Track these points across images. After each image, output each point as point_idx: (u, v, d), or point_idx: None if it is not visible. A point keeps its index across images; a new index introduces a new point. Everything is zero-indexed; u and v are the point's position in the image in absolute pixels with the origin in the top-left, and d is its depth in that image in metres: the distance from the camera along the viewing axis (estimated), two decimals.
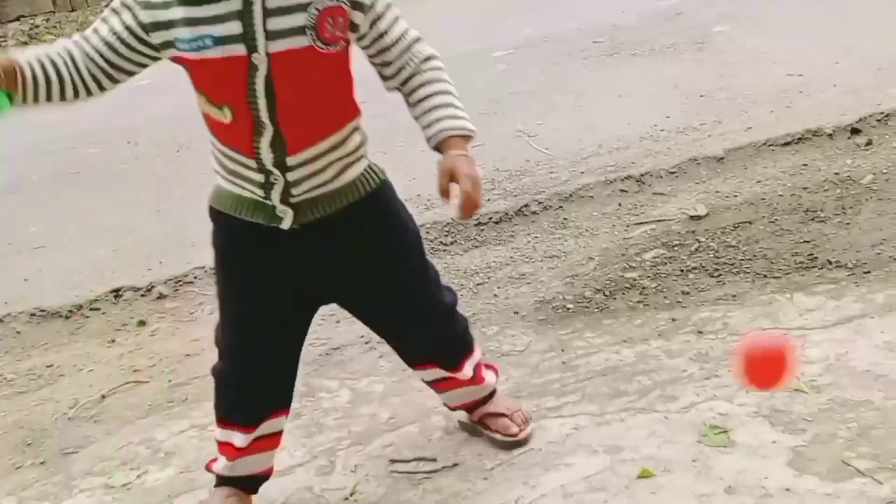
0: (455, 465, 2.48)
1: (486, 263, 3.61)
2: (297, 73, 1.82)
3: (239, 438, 2.23)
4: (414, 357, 2.38)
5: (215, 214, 2.07)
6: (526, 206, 3.96)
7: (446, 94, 1.98)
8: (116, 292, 3.79)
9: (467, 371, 2.39)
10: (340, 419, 2.79)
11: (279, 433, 2.30)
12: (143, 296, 3.76)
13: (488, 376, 2.48)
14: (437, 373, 2.38)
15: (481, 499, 2.34)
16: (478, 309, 3.29)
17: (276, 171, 1.91)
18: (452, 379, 2.39)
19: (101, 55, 1.88)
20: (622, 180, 4.04)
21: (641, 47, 5.82)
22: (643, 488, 2.28)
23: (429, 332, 2.28)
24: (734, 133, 4.32)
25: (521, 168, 4.34)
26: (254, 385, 2.18)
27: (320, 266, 2.07)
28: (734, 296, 3.07)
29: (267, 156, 1.89)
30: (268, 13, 1.77)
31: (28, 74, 1.85)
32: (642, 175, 4.05)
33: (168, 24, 1.81)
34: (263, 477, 2.36)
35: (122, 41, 1.86)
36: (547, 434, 2.53)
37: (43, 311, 3.77)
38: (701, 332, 2.89)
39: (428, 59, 1.98)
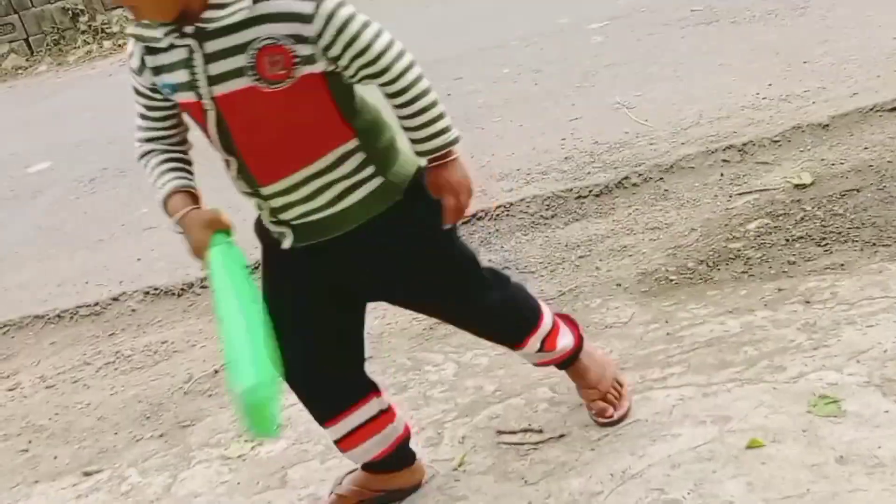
0: (561, 436, 2.50)
1: (587, 236, 3.61)
2: (247, 112, 1.85)
3: (334, 434, 2.27)
4: (476, 335, 2.42)
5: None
6: (626, 178, 3.95)
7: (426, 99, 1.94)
8: None
9: (533, 344, 2.37)
10: (446, 392, 2.83)
11: (377, 417, 2.29)
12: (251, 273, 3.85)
13: (562, 342, 2.42)
14: (504, 347, 2.44)
15: (588, 469, 2.35)
16: (580, 282, 3.29)
17: (257, 199, 1.99)
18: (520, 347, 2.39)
19: (167, 122, 2.02)
20: (724, 150, 3.99)
21: (741, 14, 5.72)
22: (752, 458, 2.27)
23: (476, 320, 2.30)
24: (839, 99, 4.23)
25: (621, 140, 4.32)
26: (314, 388, 2.20)
27: (340, 274, 2.10)
28: (842, 265, 3.01)
29: (240, 185, 1.98)
30: (208, 59, 1.81)
31: (197, 189, 2.01)
32: (744, 144, 4.00)
33: (151, 72, 1.91)
34: (394, 455, 2.36)
35: (156, 100, 1.97)
36: (653, 405, 2.53)
37: (156, 289, 3.90)
38: (808, 302, 2.85)
39: (407, 70, 1.90)
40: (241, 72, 1.80)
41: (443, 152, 1.98)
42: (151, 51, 1.87)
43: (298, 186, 1.94)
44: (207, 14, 1.78)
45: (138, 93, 1.98)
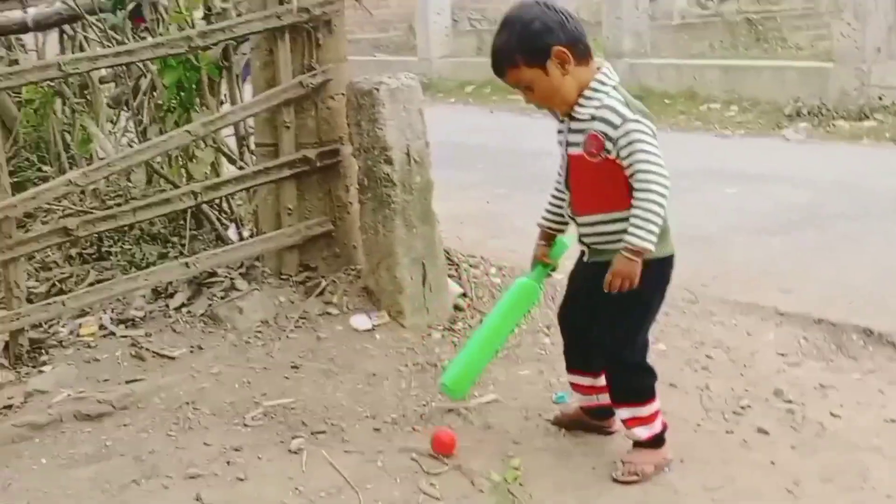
0: None
1: None
2: (579, 168, 3.00)
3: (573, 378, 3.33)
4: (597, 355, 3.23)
5: None
6: None
7: (638, 212, 2.88)
8: None
9: (622, 413, 3.13)
10: None
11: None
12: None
13: (638, 431, 3.09)
14: (605, 399, 3.20)
15: None
16: None
17: (573, 222, 3.10)
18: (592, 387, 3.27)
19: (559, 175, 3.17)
20: None
21: None
22: None
23: (607, 365, 3.15)
24: None
25: None
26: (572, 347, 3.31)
27: (586, 283, 3.10)
28: None
29: (568, 210, 3.10)
30: (569, 132, 3.00)
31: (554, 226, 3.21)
32: None
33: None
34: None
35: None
36: None
37: None
38: None
39: (642, 187, 2.88)
40: (579, 145, 2.96)
41: (626, 246, 2.88)
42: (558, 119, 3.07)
43: (592, 224, 3.02)
44: (575, 109, 2.97)
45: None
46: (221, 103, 5.02)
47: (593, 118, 2.92)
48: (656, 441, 3.10)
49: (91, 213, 4.49)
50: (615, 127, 2.88)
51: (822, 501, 2.89)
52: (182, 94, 4.84)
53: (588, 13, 17.12)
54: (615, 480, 3.02)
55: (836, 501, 2.89)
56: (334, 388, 3.67)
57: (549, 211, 3.18)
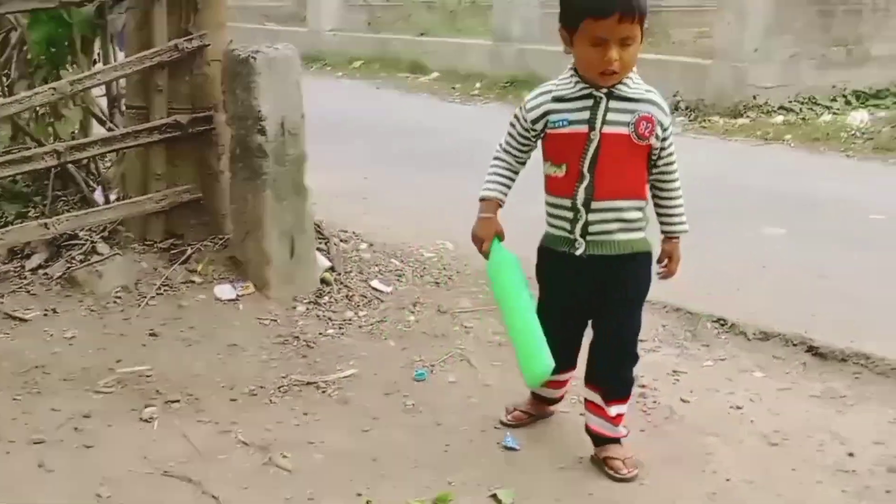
0: None
1: None
2: (615, 149, 2.77)
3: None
4: (588, 373, 3.05)
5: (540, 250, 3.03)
6: None
7: (676, 201, 2.97)
8: None
9: (613, 410, 3.01)
10: None
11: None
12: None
13: (621, 428, 3.04)
14: (595, 397, 3.03)
15: None
16: None
17: (583, 210, 2.82)
18: (602, 409, 3.01)
19: (522, 152, 2.97)
20: None
21: None
22: None
23: (612, 361, 3.00)
24: None
25: None
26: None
27: (601, 278, 2.91)
28: None
29: (580, 196, 2.81)
30: (608, 111, 2.75)
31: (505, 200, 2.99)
32: None
33: (544, 115, 2.84)
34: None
35: (526, 138, 2.92)
36: None
37: None
38: None
39: (675, 177, 2.93)
40: (626, 124, 2.76)
41: (678, 235, 2.99)
42: (560, 100, 2.81)
43: (609, 211, 2.82)
44: (627, 85, 2.78)
45: (521, 125, 2.91)
46: (94, 62, 4.88)
47: (645, 100, 2.77)
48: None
49: None
50: (667, 115, 2.80)
51: (665, 484, 2.97)
52: (52, 50, 4.69)
53: None
54: (622, 479, 2.94)
55: (678, 484, 2.98)
56: (193, 358, 3.63)
57: (502, 184, 2.98)
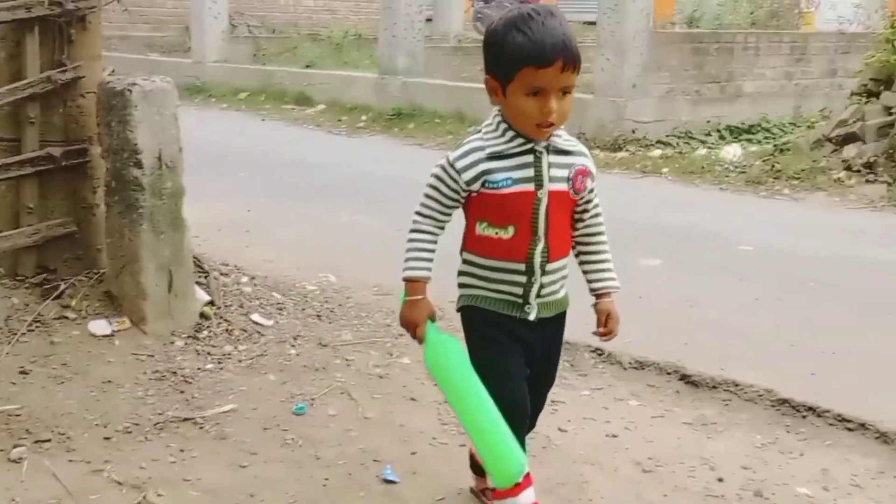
0: None
1: None
2: (559, 206, 2.60)
3: None
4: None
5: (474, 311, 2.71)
6: None
7: (606, 255, 2.78)
8: None
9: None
10: None
11: None
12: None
13: None
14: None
15: None
16: None
17: (538, 273, 2.61)
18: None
19: (447, 215, 2.65)
20: None
21: None
22: None
23: (532, 420, 2.86)
24: None
25: None
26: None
27: (541, 348, 2.74)
28: None
29: (537, 260, 2.60)
30: (550, 166, 2.56)
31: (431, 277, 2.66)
32: None
33: (480, 175, 2.55)
34: None
35: (455, 200, 2.61)
36: None
37: None
38: None
39: (601, 231, 2.77)
40: (565, 180, 2.59)
41: (614, 290, 2.79)
42: (499, 157, 2.55)
43: (557, 271, 2.65)
44: (562, 137, 2.61)
45: (450, 188, 2.60)
46: None
47: (577, 152, 2.62)
48: None
49: None
50: (593, 165, 2.67)
51: None
52: None
53: (366, 28, 17.34)
54: None
55: None
56: (65, 395, 3.54)
57: (427, 259, 2.64)
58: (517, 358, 2.68)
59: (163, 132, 4.06)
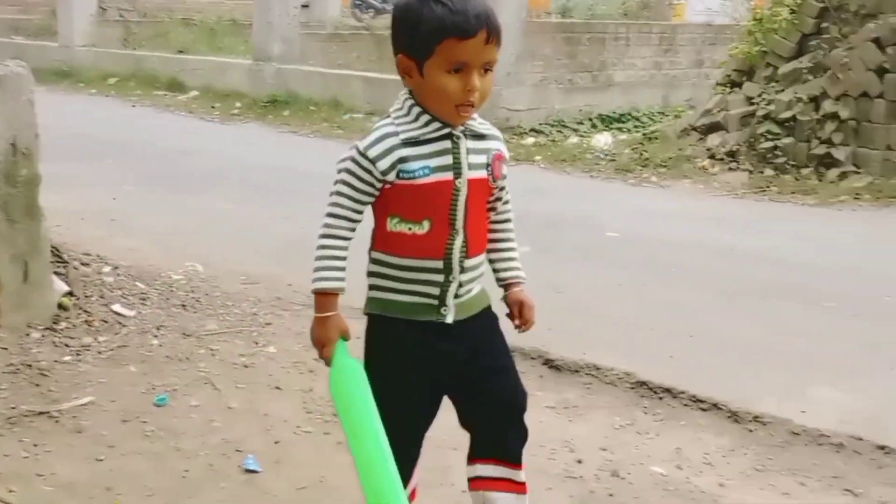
0: None
1: None
2: (478, 196, 2.35)
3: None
4: (487, 448, 2.57)
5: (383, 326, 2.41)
6: None
7: (514, 244, 2.55)
8: None
9: (522, 475, 2.58)
10: None
11: None
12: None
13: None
14: (498, 470, 2.56)
15: None
16: None
17: (457, 271, 2.35)
18: (509, 481, 2.56)
19: (360, 213, 2.32)
20: None
21: None
22: None
23: (509, 423, 2.56)
24: None
25: None
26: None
27: (465, 353, 2.43)
28: None
29: (456, 257, 2.34)
30: (469, 152, 2.31)
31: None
32: None
33: (396, 163, 2.27)
34: None
35: (369, 195, 2.30)
36: None
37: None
38: None
39: (510, 219, 2.54)
40: (484, 166, 2.34)
41: (524, 280, 2.55)
42: (416, 143, 2.28)
43: (478, 267, 2.41)
44: (478, 121, 2.35)
45: (363, 181, 2.29)
46: None
47: (493, 136, 2.38)
48: None
49: None
50: (505, 148, 2.43)
51: None
52: None
53: (241, 14, 17.10)
54: None
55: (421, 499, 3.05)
56: None
57: (341, 268, 2.31)
58: (420, 395, 2.45)
59: (18, 118, 3.94)
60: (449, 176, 2.30)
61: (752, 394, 3.85)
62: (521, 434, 2.58)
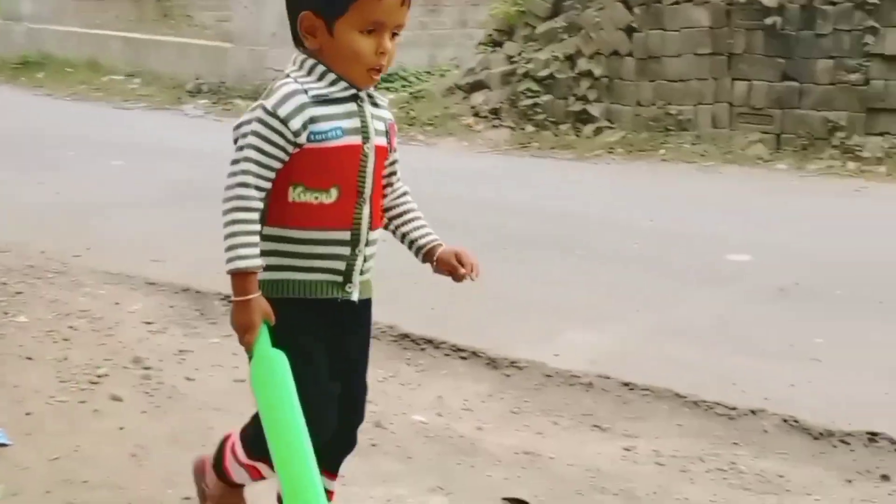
0: None
1: None
2: (380, 163, 2.24)
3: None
4: (342, 449, 2.46)
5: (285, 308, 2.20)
6: None
7: (420, 214, 2.41)
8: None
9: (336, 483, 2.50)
10: None
11: None
12: None
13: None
14: (330, 484, 2.43)
15: None
16: None
17: (363, 243, 2.22)
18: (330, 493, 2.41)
19: (270, 182, 2.13)
20: None
21: None
22: None
23: (356, 420, 2.47)
24: None
25: None
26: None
27: (363, 338, 2.41)
28: None
29: (364, 227, 2.21)
30: (372, 117, 2.19)
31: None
32: None
33: (308, 122, 2.11)
34: None
35: (280, 160, 2.11)
36: None
37: (796, 421, 3.50)
38: None
39: (407, 191, 2.40)
40: (384, 133, 2.23)
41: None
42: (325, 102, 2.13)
43: (376, 242, 2.26)
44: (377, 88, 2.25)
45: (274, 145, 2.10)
46: None
47: (384, 105, 2.28)
48: None
49: None
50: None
51: (164, 462, 2.99)
52: None
53: None
54: None
55: (178, 460, 3.01)
56: None
57: (255, 244, 2.13)
58: (325, 365, 2.29)
59: None
60: (358, 140, 2.17)
61: (509, 341, 4.02)
62: (351, 445, 2.50)
